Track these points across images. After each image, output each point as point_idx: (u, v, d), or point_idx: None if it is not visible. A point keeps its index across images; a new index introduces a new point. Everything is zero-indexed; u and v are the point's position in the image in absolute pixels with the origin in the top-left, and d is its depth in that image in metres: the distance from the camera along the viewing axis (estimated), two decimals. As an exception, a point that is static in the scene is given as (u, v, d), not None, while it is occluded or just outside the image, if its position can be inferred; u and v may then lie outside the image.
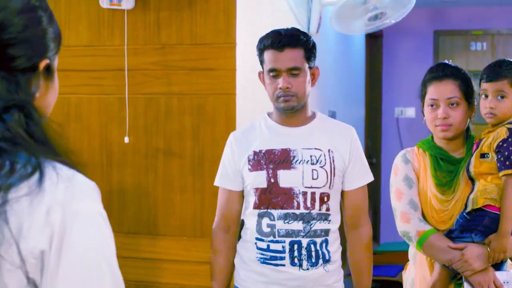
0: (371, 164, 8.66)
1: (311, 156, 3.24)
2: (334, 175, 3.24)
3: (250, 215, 3.32)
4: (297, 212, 3.21)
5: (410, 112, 9.02)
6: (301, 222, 3.21)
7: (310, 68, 3.27)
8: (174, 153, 4.29)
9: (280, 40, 3.21)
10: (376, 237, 8.23)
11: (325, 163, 3.24)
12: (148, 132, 4.33)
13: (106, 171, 4.41)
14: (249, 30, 4.33)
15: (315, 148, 3.26)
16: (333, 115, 6.42)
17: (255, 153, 3.29)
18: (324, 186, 3.22)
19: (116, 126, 4.37)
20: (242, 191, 3.37)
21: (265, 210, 3.25)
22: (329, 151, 3.26)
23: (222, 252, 3.41)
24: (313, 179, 3.22)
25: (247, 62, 4.27)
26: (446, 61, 3.44)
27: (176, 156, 4.29)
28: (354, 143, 3.33)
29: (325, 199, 3.24)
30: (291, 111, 3.25)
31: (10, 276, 1.29)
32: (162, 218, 4.32)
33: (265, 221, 3.25)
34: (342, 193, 3.35)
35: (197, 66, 4.22)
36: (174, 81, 4.27)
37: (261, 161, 3.26)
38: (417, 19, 8.86)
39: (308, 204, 3.21)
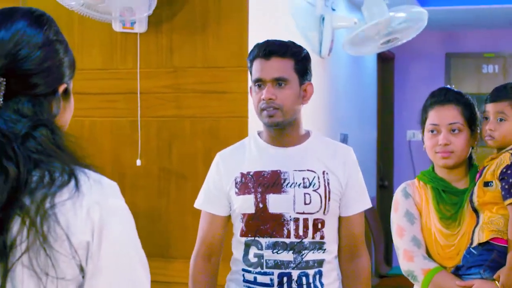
0: (383, 187, 8.68)
1: (303, 179, 2.95)
2: (329, 200, 2.95)
3: (237, 243, 3.04)
4: (287, 241, 2.91)
5: (422, 134, 8.99)
6: (291, 252, 2.91)
7: (302, 83, 2.98)
8: (186, 176, 4.30)
9: (267, 48, 2.96)
10: (388, 260, 8.20)
11: (319, 186, 2.95)
12: (160, 155, 4.34)
13: (118, 194, 4.40)
14: (261, 53, 4.34)
15: (308, 170, 2.97)
16: (345, 138, 6.42)
17: (242, 175, 3.00)
18: (317, 211, 2.94)
19: (128, 149, 4.39)
20: (227, 217, 3.08)
21: (253, 238, 2.95)
22: (323, 173, 2.98)
23: (201, 283, 3.12)
24: (305, 204, 2.93)
25: (259, 85, 4.28)
26: (449, 86, 3.30)
27: (188, 179, 4.29)
28: (351, 165, 3.05)
29: (319, 226, 2.95)
30: (277, 127, 2.96)
31: (66, 266, 1.56)
32: (175, 241, 4.32)
33: (253, 250, 2.95)
34: (338, 219, 3.05)
35: (210, 89, 4.23)
36: (187, 104, 4.28)
37: (249, 184, 2.97)
38: (429, 41, 8.88)
39: (300, 232, 2.92)
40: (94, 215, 1.60)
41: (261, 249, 2.93)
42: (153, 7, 4.16)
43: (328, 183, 2.97)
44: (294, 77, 2.96)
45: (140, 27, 4.23)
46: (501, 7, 7.69)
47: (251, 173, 2.98)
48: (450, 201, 3.11)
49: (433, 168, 3.21)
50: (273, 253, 2.92)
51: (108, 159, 4.43)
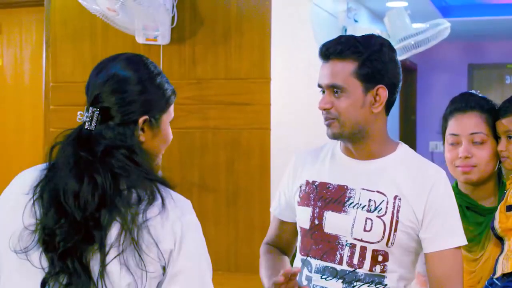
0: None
1: (369, 201, 2.50)
2: (395, 230, 2.46)
3: (296, 260, 2.68)
4: (338, 267, 2.50)
5: (445, 146, 8.97)
6: (340, 281, 2.50)
7: (368, 89, 2.49)
8: (208, 187, 4.30)
9: (327, 47, 2.53)
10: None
11: (385, 212, 2.47)
12: (183, 166, 4.35)
13: (141, 205, 4.42)
14: (283, 65, 4.35)
15: (378, 192, 2.50)
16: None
17: (307, 183, 2.63)
18: (378, 242, 2.46)
19: (151, 160, 4.39)
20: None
21: (305, 257, 2.59)
22: (395, 198, 2.48)
23: (269, 253, 2.83)
24: (365, 230, 2.48)
25: (281, 96, 4.28)
26: (473, 91, 2.95)
27: (210, 190, 4.29)
28: (436, 192, 2.48)
29: (380, 258, 2.47)
30: (339, 139, 2.58)
31: (150, 265, 1.93)
32: (197, 252, 4.31)
33: (305, 271, 2.59)
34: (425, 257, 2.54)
35: (232, 100, 4.24)
36: (209, 115, 4.29)
37: (311, 195, 2.60)
38: (451, 52, 8.86)
39: (354, 261, 2.48)
40: (176, 228, 1.98)
41: (311, 272, 2.57)
42: (175, 19, 4.18)
43: (398, 211, 2.48)
44: (354, 83, 2.48)
45: (163, 39, 4.25)
46: (524, 18, 7.67)
47: (316, 183, 2.61)
48: (475, 220, 2.74)
49: (457, 183, 2.84)
50: (321, 278, 2.53)
51: (131, 170, 4.44)
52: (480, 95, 2.85)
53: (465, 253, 2.64)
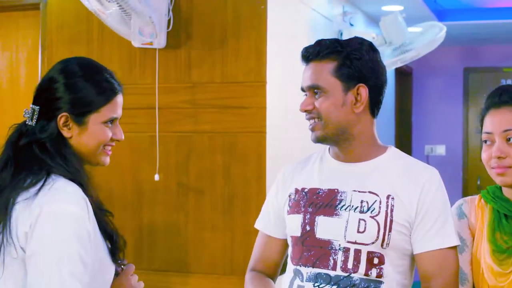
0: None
1: (361, 202, 2.43)
2: (390, 230, 2.38)
3: (288, 271, 2.56)
4: (332, 273, 2.40)
5: (441, 149, 8.98)
6: (335, 287, 2.39)
7: (348, 88, 2.44)
8: (204, 191, 4.30)
9: (308, 50, 2.53)
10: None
11: (379, 212, 2.40)
12: (179, 170, 4.35)
13: (137, 209, 4.43)
14: (279, 68, 4.36)
15: (370, 192, 2.44)
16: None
17: (296, 191, 2.56)
18: (373, 243, 2.38)
19: (147, 164, 4.40)
20: (285, 240, 2.64)
21: (296, 267, 2.48)
22: (388, 197, 2.41)
23: (255, 281, 2.64)
24: (358, 232, 2.39)
25: (277, 100, 4.29)
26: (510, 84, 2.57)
27: (206, 194, 4.29)
28: (429, 191, 2.42)
29: (375, 261, 2.38)
30: (323, 143, 2.53)
31: (10, 248, 2.06)
32: (193, 256, 4.32)
33: (296, 281, 2.47)
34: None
35: (228, 104, 4.24)
36: (205, 119, 4.29)
37: (301, 202, 2.51)
38: (447, 56, 8.88)
39: (349, 265, 2.38)
40: (35, 212, 2.06)
41: (302, 281, 2.44)
42: (171, 23, 4.19)
43: (392, 210, 2.40)
44: (334, 83, 2.44)
45: (159, 43, 4.25)
46: (520, 21, 7.68)
47: (306, 190, 2.54)
48: (511, 230, 2.44)
49: (501, 187, 2.52)
50: (314, 286, 2.41)
51: (127, 174, 4.44)
52: None
53: (495, 266, 2.41)
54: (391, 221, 2.39)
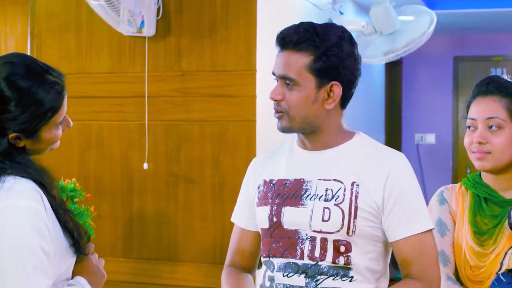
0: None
1: (326, 190, 2.38)
2: (355, 217, 2.34)
3: (262, 264, 2.54)
4: (300, 262, 2.38)
5: (430, 138, 9.00)
6: (303, 276, 2.37)
7: (321, 84, 2.38)
8: (194, 180, 4.30)
9: (283, 35, 2.43)
10: (396, 263, 8.18)
11: (343, 200, 2.35)
12: (168, 158, 4.34)
13: (126, 198, 4.42)
14: (269, 57, 4.33)
15: (334, 180, 2.39)
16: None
17: (265, 182, 2.52)
18: (338, 231, 2.35)
19: (136, 153, 4.39)
20: (258, 232, 2.59)
21: (267, 258, 2.46)
22: (352, 184, 2.37)
23: (231, 278, 2.64)
24: (323, 220, 2.35)
25: (267, 88, 4.24)
26: (500, 74, 2.78)
27: (196, 183, 4.29)
28: (398, 177, 2.38)
29: (342, 249, 2.35)
30: (287, 132, 2.47)
31: None
32: (183, 245, 4.32)
33: (267, 272, 2.46)
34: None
35: (218, 93, 4.24)
36: (195, 108, 4.28)
37: (268, 194, 2.48)
38: (437, 45, 8.87)
39: (316, 254, 2.36)
40: None
41: (273, 271, 2.43)
42: (161, 11, 4.18)
43: (356, 197, 2.35)
44: (308, 78, 2.37)
45: (149, 31, 4.24)
46: (510, 10, 7.68)
47: (273, 181, 2.50)
48: (491, 212, 2.57)
49: (480, 172, 2.68)
50: (283, 276, 2.40)
51: (116, 162, 4.44)
52: (506, 79, 2.64)
53: (476, 247, 2.55)
54: (356, 207, 2.34)
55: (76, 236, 2.21)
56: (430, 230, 2.39)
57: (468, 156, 2.67)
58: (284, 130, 2.45)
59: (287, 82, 2.40)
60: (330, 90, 2.38)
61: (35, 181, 2.13)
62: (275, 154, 2.61)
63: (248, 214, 2.60)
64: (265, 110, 4.25)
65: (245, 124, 4.18)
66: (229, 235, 4.18)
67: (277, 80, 2.46)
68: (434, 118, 9.20)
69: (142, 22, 4.18)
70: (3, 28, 5.32)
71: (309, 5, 5.25)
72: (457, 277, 2.60)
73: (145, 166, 4.31)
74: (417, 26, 5.42)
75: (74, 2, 4.46)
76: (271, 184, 2.49)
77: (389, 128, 8.77)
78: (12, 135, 2.16)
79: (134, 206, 4.42)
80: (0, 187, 2.09)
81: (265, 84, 4.25)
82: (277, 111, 2.45)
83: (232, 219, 2.69)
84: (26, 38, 4.78)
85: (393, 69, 8.97)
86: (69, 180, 3.72)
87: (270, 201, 2.46)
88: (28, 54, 4.64)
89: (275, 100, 2.44)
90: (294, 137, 2.57)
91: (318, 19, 5.38)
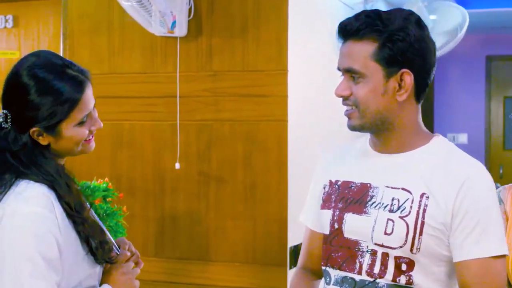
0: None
1: (392, 199, 2.15)
2: (420, 234, 2.10)
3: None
4: (357, 278, 2.17)
5: (463, 138, 8.94)
6: None
7: (390, 74, 2.15)
8: (225, 180, 4.30)
9: (345, 25, 2.19)
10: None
11: (409, 212, 2.11)
12: (200, 158, 4.35)
13: (158, 197, 4.43)
14: (300, 57, 4.34)
15: (403, 189, 2.15)
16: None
17: (330, 183, 2.33)
18: (400, 247, 2.11)
19: (168, 153, 4.40)
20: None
21: (325, 268, 2.29)
22: (422, 195, 2.12)
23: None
24: (385, 233, 2.13)
25: (298, 88, 4.28)
26: None
27: (227, 182, 4.29)
28: (468, 188, 2.10)
29: (403, 267, 2.12)
30: (358, 131, 2.25)
31: None
32: (214, 244, 4.32)
33: (322, 283, 2.32)
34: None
35: (249, 92, 4.23)
36: (226, 107, 4.28)
37: (332, 196, 2.29)
38: (469, 44, 8.81)
39: (375, 270, 2.14)
40: None
41: (329, 284, 2.26)
42: (192, 11, 4.19)
43: (424, 211, 2.10)
44: (374, 68, 2.15)
45: (180, 31, 4.25)
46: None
47: (339, 183, 2.30)
48: None
49: None
50: None
51: (148, 162, 4.45)
52: None
53: None
54: (422, 223, 2.10)
55: (93, 244, 2.20)
56: (501, 256, 2.11)
57: (501, 156, 2.58)
58: (354, 128, 2.22)
59: (352, 75, 2.18)
60: (401, 80, 2.16)
61: (50, 186, 2.15)
62: (345, 153, 2.39)
63: (314, 214, 2.40)
64: (296, 110, 4.24)
65: (276, 124, 4.17)
66: (260, 234, 4.21)
67: (342, 76, 2.23)
68: (466, 117, 9.15)
69: (174, 23, 4.19)
70: (36, 28, 5.36)
71: (340, 4, 5.24)
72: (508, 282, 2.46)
73: (177, 166, 4.32)
74: (450, 26, 5.39)
75: (106, 2, 4.48)
76: (336, 185, 2.30)
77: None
78: (33, 129, 2.18)
79: (165, 206, 4.43)
80: (12, 191, 2.13)
81: (296, 84, 4.25)
82: (346, 107, 2.22)
83: (300, 218, 2.51)
84: (59, 38, 4.81)
85: (425, 68, 8.93)
86: (101, 180, 3.75)
87: (333, 204, 2.27)
88: (61, 54, 4.68)
89: (341, 96, 2.21)
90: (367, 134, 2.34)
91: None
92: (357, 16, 2.18)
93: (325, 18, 4.95)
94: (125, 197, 4.11)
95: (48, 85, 2.17)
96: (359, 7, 5.45)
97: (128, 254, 2.36)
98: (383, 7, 6.38)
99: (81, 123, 2.23)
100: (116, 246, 2.43)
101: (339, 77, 2.24)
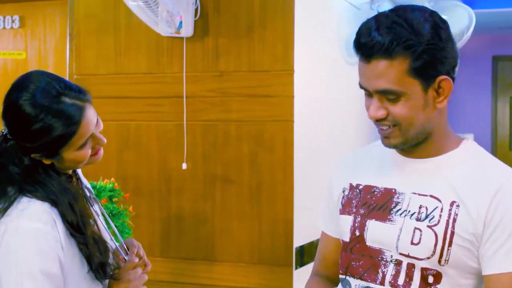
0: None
1: (420, 207, 2.04)
2: (449, 244, 1.98)
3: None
4: None
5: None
6: None
7: (428, 84, 2.01)
8: (231, 180, 4.30)
9: (370, 44, 1.97)
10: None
11: (439, 221, 1.99)
12: (206, 159, 4.35)
13: (164, 198, 4.43)
14: (306, 57, 4.34)
15: (431, 196, 2.03)
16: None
17: (351, 187, 2.22)
18: (428, 258, 2.00)
19: (174, 153, 4.40)
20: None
21: (344, 276, 2.18)
22: (452, 204, 2.00)
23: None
24: (412, 243, 2.01)
25: (305, 89, 4.27)
26: None
27: (233, 183, 4.29)
28: (502, 196, 1.97)
29: (430, 279, 2.00)
30: (398, 148, 2.12)
31: None
32: (220, 244, 4.32)
33: None
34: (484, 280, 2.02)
35: (255, 93, 4.23)
36: (232, 108, 4.28)
37: (353, 201, 2.18)
38: (475, 44, 8.80)
39: (399, 281, 2.03)
40: (1, 229, 2.10)
41: None
42: (199, 12, 4.19)
43: (454, 220, 1.98)
44: (412, 83, 1.98)
45: (187, 32, 4.25)
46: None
47: (360, 187, 2.19)
48: None
49: None
50: None
51: (154, 162, 4.45)
52: None
53: None
54: (452, 233, 1.98)
55: (93, 262, 2.21)
56: None
57: (507, 156, 2.50)
58: (396, 146, 2.09)
59: (389, 97, 2.00)
60: (439, 87, 2.04)
61: (53, 203, 2.16)
62: (368, 153, 2.28)
63: (330, 218, 2.30)
64: (302, 110, 4.24)
65: (283, 124, 4.17)
66: (266, 235, 4.21)
67: (367, 94, 2.07)
68: (472, 118, 9.14)
69: (181, 23, 4.19)
70: (43, 28, 5.36)
71: (347, 4, 5.23)
72: None
73: (184, 166, 4.32)
74: (456, 26, 5.38)
75: (112, 3, 4.48)
76: (357, 190, 2.19)
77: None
78: (34, 155, 2.19)
79: (172, 206, 4.43)
80: (15, 207, 2.13)
81: (303, 84, 4.25)
82: (384, 128, 2.06)
83: (318, 224, 2.42)
84: (65, 38, 4.81)
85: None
86: (107, 180, 3.75)
87: (354, 210, 2.16)
88: (67, 54, 4.68)
89: (378, 119, 2.04)
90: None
91: (356, 19, 5.36)
92: (379, 31, 1.97)
93: (331, 18, 4.95)
94: (131, 197, 4.12)
95: (38, 123, 2.14)
96: (365, 7, 5.44)
97: (136, 260, 2.37)
98: (389, 7, 6.36)
99: (82, 146, 2.22)
100: (126, 248, 2.43)
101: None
